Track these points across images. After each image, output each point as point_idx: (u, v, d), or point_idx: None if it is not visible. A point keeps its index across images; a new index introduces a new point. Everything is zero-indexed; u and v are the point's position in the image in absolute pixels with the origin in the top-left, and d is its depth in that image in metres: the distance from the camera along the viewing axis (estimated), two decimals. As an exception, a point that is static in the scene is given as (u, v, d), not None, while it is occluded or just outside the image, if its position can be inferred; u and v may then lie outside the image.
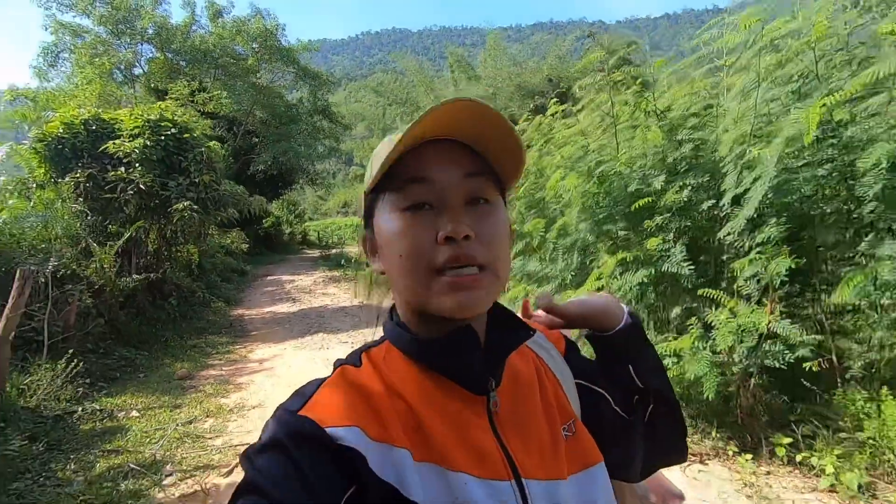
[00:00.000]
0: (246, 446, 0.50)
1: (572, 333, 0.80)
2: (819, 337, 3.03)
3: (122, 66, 16.30)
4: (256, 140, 17.57)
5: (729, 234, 3.13)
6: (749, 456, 2.91)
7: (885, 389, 2.77)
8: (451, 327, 0.55)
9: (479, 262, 0.53)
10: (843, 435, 2.83)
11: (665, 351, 3.13)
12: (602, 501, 0.58)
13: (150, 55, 17.04)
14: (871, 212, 2.75)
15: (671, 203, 3.34)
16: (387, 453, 0.50)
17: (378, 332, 0.64)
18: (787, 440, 2.88)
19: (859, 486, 2.52)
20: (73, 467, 3.23)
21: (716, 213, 3.45)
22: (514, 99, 20.27)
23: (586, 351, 0.76)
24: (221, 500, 2.87)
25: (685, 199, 3.37)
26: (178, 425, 3.94)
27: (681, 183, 3.37)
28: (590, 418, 0.66)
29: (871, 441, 2.71)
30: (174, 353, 6.16)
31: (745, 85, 3.13)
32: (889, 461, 2.65)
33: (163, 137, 7.11)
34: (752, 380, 3.13)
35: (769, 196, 2.99)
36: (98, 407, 4.23)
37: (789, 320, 2.87)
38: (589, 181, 3.73)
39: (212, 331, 7.40)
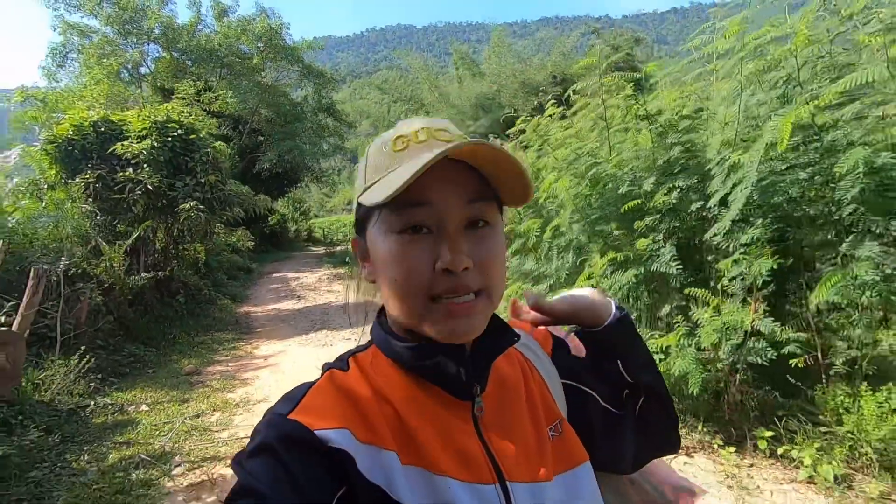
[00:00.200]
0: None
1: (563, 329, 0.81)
2: (804, 335, 3.13)
3: (129, 66, 16.50)
4: (262, 138, 17.73)
5: (715, 234, 3.23)
6: (732, 449, 3.02)
7: (864, 385, 2.87)
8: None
9: (475, 289, 0.53)
10: (823, 429, 2.93)
11: (653, 348, 3.24)
12: (587, 500, 0.59)
13: (157, 55, 17.26)
14: (851, 214, 2.84)
15: (660, 205, 3.44)
16: (375, 455, 0.51)
17: (366, 333, 0.65)
18: (769, 434, 2.98)
19: (835, 478, 2.63)
20: (86, 458, 3.39)
21: (704, 214, 3.55)
22: (518, 96, 20.30)
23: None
24: (227, 490, 3.01)
25: (674, 201, 3.46)
26: (185, 419, 4.10)
27: (670, 185, 3.47)
28: (577, 417, 0.67)
29: (849, 435, 2.81)
30: (182, 350, 6.33)
31: (731, 90, 3.23)
32: (867, 454, 2.75)
33: (170, 139, 7.27)
34: (738, 376, 3.24)
35: (754, 198, 3.09)
36: (109, 401, 4.39)
37: (772, 318, 2.97)
38: (582, 183, 3.83)
39: (218, 328, 7.57)
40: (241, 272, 12.30)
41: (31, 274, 4.36)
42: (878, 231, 2.77)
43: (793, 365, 2.98)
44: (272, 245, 19.43)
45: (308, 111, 19.28)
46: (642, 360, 0.75)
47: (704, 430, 3.28)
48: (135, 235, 6.67)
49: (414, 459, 0.52)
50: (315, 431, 0.50)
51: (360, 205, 0.59)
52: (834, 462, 2.71)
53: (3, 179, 6.05)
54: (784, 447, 2.92)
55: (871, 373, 3.06)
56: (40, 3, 15.29)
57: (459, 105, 19.89)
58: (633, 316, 3.75)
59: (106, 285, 5.92)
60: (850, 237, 2.90)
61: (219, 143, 8.53)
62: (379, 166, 0.56)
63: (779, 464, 2.93)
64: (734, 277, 3.16)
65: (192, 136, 7.62)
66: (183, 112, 8.16)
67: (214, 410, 4.34)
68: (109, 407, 4.29)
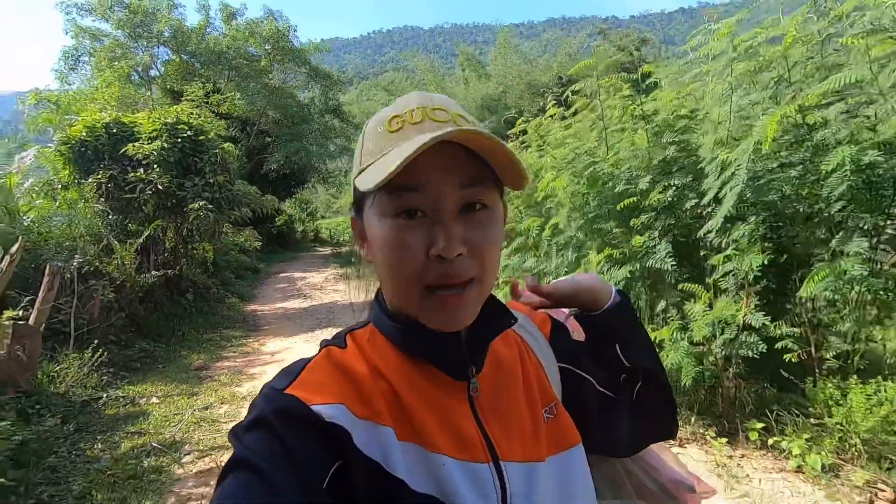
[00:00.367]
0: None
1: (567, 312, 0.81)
2: (797, 330, 3.20)
3: (140, 69, 16.79)
4: (269, 140, 17.95)
5: (709, 231, 3.31)
6: (724, 440, 3.10)
7: (853, 378, 2.94)
8: None
9: (468, 277, 0.53)
10: (813, 421, 3.00)
11: (648, 342, 3.32)
12: (579, 481, 0.60)
13: (166, 57, 17.54)
14: (840, 210, 2.92)
15: (655, 203, 3.52)
16: (371, 430, 0.52)
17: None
18: (760, 425, 3.06)
19: (823, 467, 2.70)
20: (100, 446, 3.52)
21: (699, 211, 3.63)
22: (524, 97, 20.42)
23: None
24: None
25: (669, 199, 3.55)
26: (195, 411, 4.23)
27: (665, 183, 3.55)
28: (572, 400, 0.67)
29: (839, 427, 2.88)
30: (190, 346, 6.47)
31: (723, 91, 3.31)
32: (856, 445, 2.82)
33: (179, 140, 7.43)
34: (732, 369, 3.32)
35: (747, 196, 3.17)
36: (121, 394, 4.54)
37: (763, 313, 3.05)
38: (580, 182, 3.92)
39: (226, 325, 7.72)
40: (248, 272, 12.45)
41: (47, 271, 4.51)
42: (866, 227, 2.84)
43: (787, 360, 3.06)
44: (279, 245, 19.60)
45: (315, 113, 19.48)
46: (641, 344, 0.76)
47: (698, 422, 3.36)
48: (145, 234, 6.84)
49: (410, 436, 0.53)
50: (311, 406, 0.51)
51: (356, 186, 0.59)
52: (823, 452, 2.78)
53: (19, 179, 6.21)
54: (775, 438, 2.99)
55: (862, 367, 3.13)
56: (54, 7, 15.57)
57: (466, 106, 20.01)
58: (630, 298, 3.84)
59: (118, 283, 6.08)
60: (840, 233, 2.97)
61: (227, 144, 8.69)
62: (374, 148, 0.56)
63: (770, 454, 3.00)
64: (727, 273, 3.23)
65: (202, 138, 7.78)
66: (192, 114, 8.33)
67: (222, 403, 4.47)
68: (121, 399, 4.43)
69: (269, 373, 5.33)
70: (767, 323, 3.01)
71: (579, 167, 4.02)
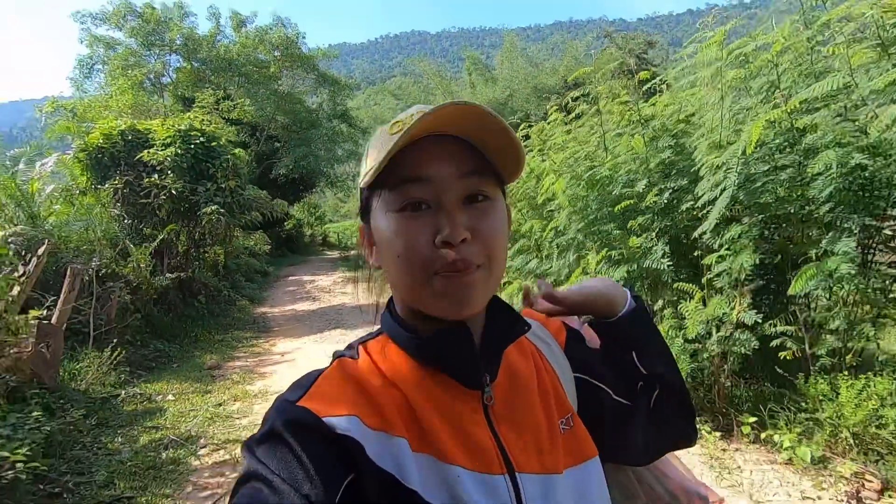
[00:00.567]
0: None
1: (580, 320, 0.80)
2: (791, 327, 3.31)
3: (152, 76, 17.14)
4: (278, 145, 18.20)
5: (703, 233, 3.42)
6: (718, 434, 3.20)
7: (844, 374, 3.03)
8: (446, 323, 0.56)
9: (476, 263, 0.53)
10: (805, 415, 3.10)
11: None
12: (596, 494, 0.59)
13: (178, 65, 17.87)
14: (829, 212, 3.02)
15: (651, 205, 3.64)
16: (385, 442, 0.51)
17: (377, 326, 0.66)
18: (753, 419, 3.16)
19: (812, 459, 2.80)
20: (120, 440, 3.69)
21: (696, 213, 3.74)
22: (531, 101, 20.55)
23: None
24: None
25: (665, 201, 3.67)
26: (208, 407, 4.39)
27: (661, 186, 3.67)
28: (588, 411, 0.66)
29: (829, 420, 2.98)
30: (203, 347, 6.66)
31: (716, 97, 3.43)
32: (846, 438, 2.91)
33: (192, 146, 7.66)
34: (727, 366, 3.42)
35: (740, 197, 3.29)
36: (138, 391, 4.72)
37: (755, 311, 3.16)
38: (578, 185, 4.06)
39: (237, 326, 7.91)
40: (258, 275, 12.66)
41: (68, 273, 4.70)
42: (853, 228, 2.95)
43: (782, 357, 3.17)
44: (288, 249, 19.82)
45: (323, 118, 19.74)
46: (658, 350, 0.74)
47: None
48: (160, 238, 7.05)
49: (424, 447, 0.53)
50: (323, 418, 0.51)
51: (362, 190, 0.61)
52: (813, 445, 2.88)
53: (40, 185, 6.46)
54: (767, 432, 3.09)
55: (855, 364, 3.22)
56: (70, 17, 15.98)
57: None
58: (646, 302, 3.96)
59: (134, 285, 6.28)
60: (829, 234, 3.08)
61: (238, 149, 8.91)
62: (377, 151, 0.57)
63: (763, 448, 3.10)
64: (721, 273, 3.35)
65: (214, 144, 8.01)
66: (204, 121, 8.56)
67: (235, 400, 4.63)
68: (138, 396, 4.61)
69: (279, 372, 5.49)
70: (759, 321, 3.12)
71: (579, 170, 4.15)
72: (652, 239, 3.77)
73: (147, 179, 7.22)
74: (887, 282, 3.35)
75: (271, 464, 0.48)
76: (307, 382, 0.56)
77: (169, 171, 7.34)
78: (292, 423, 0.50)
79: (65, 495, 2.90)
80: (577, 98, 4.53)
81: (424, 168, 0.53)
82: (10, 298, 3.49)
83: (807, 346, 3.33)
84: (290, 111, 18.42)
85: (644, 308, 0.75)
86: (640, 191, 3.73)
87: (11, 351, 3.59)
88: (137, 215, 7.41)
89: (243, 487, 0.47)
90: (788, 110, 2.70)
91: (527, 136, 5.91)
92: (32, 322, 3.76)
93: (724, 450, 3.13)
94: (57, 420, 3.58)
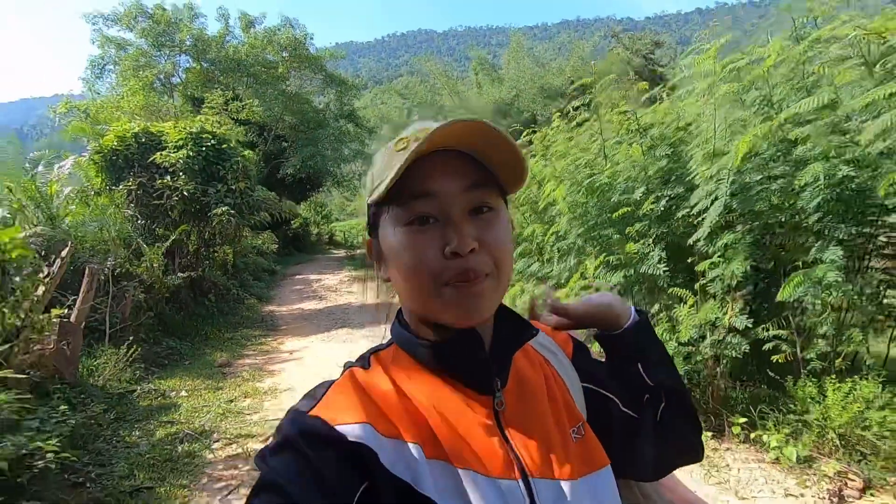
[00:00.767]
0: (279, 420, 0.55)
1: (581, 334, 0.81)
2: (783, 332, 3.43)
3: (162, 76, 17.39)
4: (286, 144, 18.38)
5: (698, 240, 3.55)
6: (710, 434, 3.33)
7: (831, 377, 3.16)
8: (456, 331, 0.57)
9: (484, 272, 0.55)
10: (793, 417, 3.22)
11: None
12: (610, 502, 0.59)
13: (187, 65, 18.12)
14: (818, 221, 3.14)
15: (648, 212, 3.77)
16: (399, 449, 0.52)
17: (387, 331, 0.66)
18: (743, 419, 3.29)
19: (798, 458, 2.93)
20: (137, 434, 3.88)
21: (691, 220, 3.87)
22: (537, 101, 20.63)
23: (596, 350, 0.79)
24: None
25: (662, 209, 3.79)
26: (220, 403, 4.57)
27: (658, 193, 3.80)
28: (597, 421, 0.66)
29: (816, 422, 3.10)
30: (213, 345, 6.85)
31: (710, 108, 3.55)
32: (832, 439, 3.04)
33: (203, 148, 7.84)
34: (720, 368, 3.55)
35: (734, 206, 3.41)
36: (153, 387, 4.90)
37: (746, 315, 3.29)
38: (578, 192, 4.19)
39: (246, 325, 8.10)
40: (265, 274, 12.83)
41: (86, 272, 4.88)
42: (840, 237, 3.07)
43: (774, 360, 3.30)
44: (295, 248, 20.03)
45: (330, 118, 19.92)
46: (662, 362, 0.75)
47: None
48: (172, 238, 7.23)
49: (437, 453, 0.53)
50: (336, 427, 0.51)
51: (370, 206, 0.62)
52: (799, 445, 3.01)
53: (59, 187, 6.66)
54: (757, 432, 3.22)
55: (844, 367, 3.34)
56: (83, 19, 16.26)
57: (478, 110, 20.25)
58: (650, 314, 4.09)
59: (147, 284, 6.47)
60: (818, 242, 3.20)
61: (247, 151, 9.09)
62: (383, 167, 0.58)
63: (752, 448, 3.23)
64: (714, 279, 3.47)
65: (224, 146, 8.19)
66: (215, 123, 8.75)
67: (246, 397, 4.81)
68: (153, 392, 4.79)
69: (287, 370, 5.67)
70: (750, 325, 3.25)
71: (579, 177, 4.29)
72: (649, 245, 3.90)
73: (160, 181, 7.40)
74: (881, 287, 3.47)
75: (285, 473, 0.48)
76: (319, 393, 0.57)
77: (181, 173, 7.52)
78: (305, 433, 0.51)
79: (88, 485, 3.08)
80: (577, 108, 4.66)
81: (430, 183, 0.55)
82: (35, 298, 3.66)
83: (799, 350, 3.46)
84: (298, 111, 18.60)
85: (648, 320, 0.78)
86: (638, 198, 3.85)
87: (35, 348, 3.77)
88: (150, 216, 7.61)
89: (257, 497, 0.48)
90: (778, 123, 2.82)
91: (530, 142, 6.05)
92: (55, 320, 3.94)
93: (714, 449, 3.26)
94: (79, 414, 3.76)
